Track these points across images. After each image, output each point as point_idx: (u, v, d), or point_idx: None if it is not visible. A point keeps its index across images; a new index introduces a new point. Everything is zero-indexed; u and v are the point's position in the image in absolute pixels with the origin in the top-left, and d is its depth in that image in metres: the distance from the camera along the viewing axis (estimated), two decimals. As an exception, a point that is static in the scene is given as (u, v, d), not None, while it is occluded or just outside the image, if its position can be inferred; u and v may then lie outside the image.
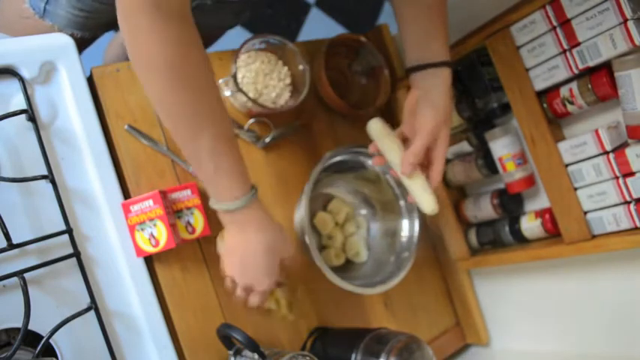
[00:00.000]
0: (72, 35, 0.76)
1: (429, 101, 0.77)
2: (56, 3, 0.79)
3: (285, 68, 0.88)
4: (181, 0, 0.59)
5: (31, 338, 0.65)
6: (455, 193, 1.03)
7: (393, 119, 1.04)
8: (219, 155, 0.65)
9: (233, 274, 0.74)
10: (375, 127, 0.81)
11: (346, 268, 0.94)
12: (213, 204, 0.70)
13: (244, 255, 0.72)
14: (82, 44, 0.86)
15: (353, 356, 0.77)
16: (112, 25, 0.91)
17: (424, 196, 0.78)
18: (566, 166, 0.82)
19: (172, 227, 0.73)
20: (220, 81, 0.82)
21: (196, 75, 0.62)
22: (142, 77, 0.62)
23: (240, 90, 0.81)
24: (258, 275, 0.73)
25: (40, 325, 0.66)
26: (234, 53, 0.83)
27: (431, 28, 0.78)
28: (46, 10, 0.81)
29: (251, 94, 0.83)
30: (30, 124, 0.69)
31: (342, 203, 0.96)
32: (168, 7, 0.58)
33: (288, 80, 0.88)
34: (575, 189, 0.82)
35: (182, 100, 0.62)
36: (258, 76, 0.84)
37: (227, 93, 0.82)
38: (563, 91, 0.80)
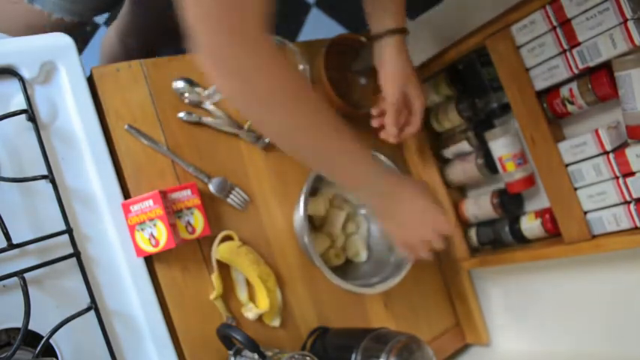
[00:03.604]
0: (62, 20, 0.76)
1: (385, 69, 0.87)
2: None
3: (285, 68, 0.88)
4: (255, 20, 0.57)
5: (31, 338, 0.65)
6: (455, 193, 1.03)
7: (393, 119, 1.04)
8: (343, 157, 0.69)
9: (404, 241, 0.79)
10: None
11: (346, 268, 0.94)
12: (357, 196, 0.77)
13: (402, 217, 0.76)
14: (75, 29, 0.86)
15: (353, 356, 0.77)
16: (101, 8, 0.91)
17: None
18: (566, 166, 0.82)
19: (172, 227, 0.73)
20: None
21: (293, 94, 0.63)
22: (248, 114, 0.67)
23: (240, 90, 0.81)
24: (442, 222, 0.78)
25: (40, 325, 0.66)
26: (234, 53, 0.82)
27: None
28: None
29: (251, 94, 0.83)
30: (30, 124, 0.69)
31: (343, 202, 0.96)
32: (245, 34, 0.57)
33: (288, 80, 0.88)
34: (575, 189, 0.82)
35: (284, 121, 0.64)
36: (258, 76, 0.84)
37: (227, 93, 0.82)
38: (563, 91, 0.80)
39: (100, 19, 1.62)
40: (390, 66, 0.85)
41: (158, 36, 1.10)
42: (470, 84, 0.94)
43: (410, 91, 0.87)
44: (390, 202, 0.75)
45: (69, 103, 0.73)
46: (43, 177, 0.68)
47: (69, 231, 0.69)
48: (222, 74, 0.59)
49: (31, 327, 0.64)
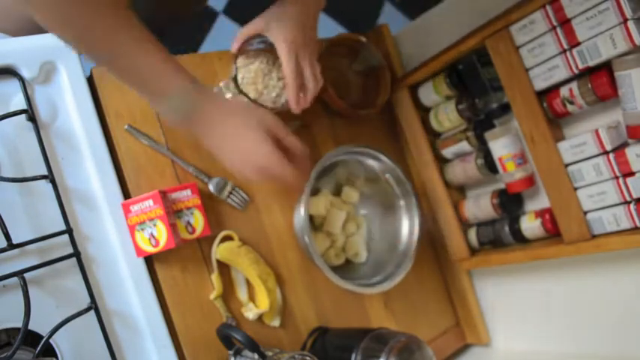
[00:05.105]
0: None
1: (275, 32, 0.77)
2: None
3: (285, 68, 0.88)
4: None
5: (31, 338, 0.65)
6: (455, 193, 1.03)
7: (393, 119, 1.04)
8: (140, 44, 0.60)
9: (243, 170, 0.68)
10: None
11: (346, 268, 0.94)
12: (163, 105, 0.63)
13: (237, 144, 0.66)
14: None
15: (353, 356, 0.77)
16: None
17: None
18: (566, 166, 0.82)
19: (172, 227, 0.73)
20: (221, 84, 0.82)
21: None
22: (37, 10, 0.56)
23: (241, 92, 0.81)
24: (262, 155, 0.66)
25: (40, 325, 0.66)
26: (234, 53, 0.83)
27: None
28: None
29: (251, 95, 0.83)
30: (30, 124, 0.69)
31: (343, 203, 0.96)
32: None
33: (288, 80, 0.88)
34: (575, 189, 0.82)
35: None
36: (257, 77, 0.84)
37: (228, 95, 0.82)
38: (563, 91, 0.80)
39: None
40: (284, 28, 0.76)
41: (164, 21, 1.08)
42: (470, 84, 0.94)
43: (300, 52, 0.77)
44: (201, 121, 0.65)
45: (69, 103, 0.73)
46: (43, 177, 0.68)
47: (69, 231, 0.69)
48: None
49: (31, 327, 0.64)
